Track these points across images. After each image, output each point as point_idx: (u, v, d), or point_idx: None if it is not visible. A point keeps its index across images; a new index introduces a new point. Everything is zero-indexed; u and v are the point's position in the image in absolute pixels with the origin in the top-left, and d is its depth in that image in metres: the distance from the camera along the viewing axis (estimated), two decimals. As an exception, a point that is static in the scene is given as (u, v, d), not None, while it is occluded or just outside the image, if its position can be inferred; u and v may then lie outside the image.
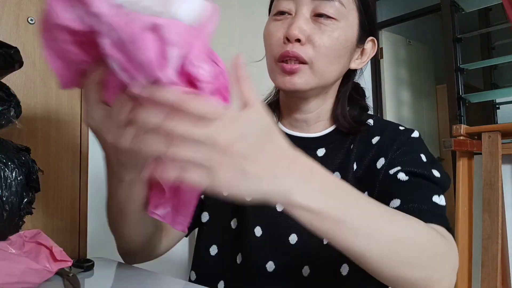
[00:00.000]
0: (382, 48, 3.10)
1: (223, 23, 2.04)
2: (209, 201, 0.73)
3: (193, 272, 0.74)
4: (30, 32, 0.86)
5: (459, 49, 2.50)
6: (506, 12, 2.06)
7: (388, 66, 3.23)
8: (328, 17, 0.61)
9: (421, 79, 3.71)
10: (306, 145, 0.68)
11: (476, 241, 1.60)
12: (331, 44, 0.61)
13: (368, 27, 0.67)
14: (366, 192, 0.63)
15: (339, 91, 0.71)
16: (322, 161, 0.67)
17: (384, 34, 3.14)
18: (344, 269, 0.63)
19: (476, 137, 1.63)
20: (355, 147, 0.67)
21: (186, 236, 0.79)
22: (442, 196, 0.59)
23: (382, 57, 3.10)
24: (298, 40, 0.60)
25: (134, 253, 0.67)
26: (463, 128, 1.61)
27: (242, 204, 0.68)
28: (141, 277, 0.72)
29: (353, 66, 0.68)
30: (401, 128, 0.69)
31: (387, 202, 0.58)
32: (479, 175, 1.58)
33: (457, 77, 2.46)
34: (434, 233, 0.49)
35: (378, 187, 0.61)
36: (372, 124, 0.71)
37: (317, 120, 0.70)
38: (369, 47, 0.69)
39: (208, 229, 0.72)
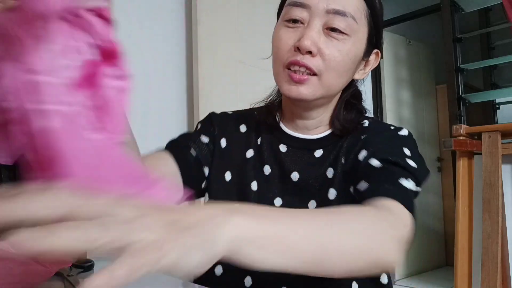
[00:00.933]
0: (382, 48, 3.11)
1: (223, 23, 2.04)
2: (211, 182, 0.72)
3: None
4: (30, 32, 0.86)
5: (459, 49, 2.50)
6: (506, 12, 2.06)
7: (388, 66, 3.23)
8: (340, 32, 0.61)
9: (421, 79, 3.71)
10: (306, 146, 0.72)
11: (476, 241, 1.60)
12: (341, 59, 0.62)
13: (375, 41, 0.68)
14: (351, 187, 0.64)
15: (339, 99, 0.73)
16: (319, 161, 0.70)
17: (384, 34, 3.14)
18: None
19: (476, 137, 1.63)
20: (345, 143, 0.69)
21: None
22: (411, 181, 0.58)
23: (382, 57, 3.08)
24: (309, 52, 0.61)
25: None
26: (463, 128, 1.61)
27: (249, 191, 0.69)
28: (141, 277, 0.72)
29: (356, 76, 0.70)
30: (392, 127, 0.70)
31: (355, 185, 0.60)
32: (479, 175, 1.58)
33: (457, 77, 2.46)
34: (368, 221, 0.46)
35: (356, 177, 0.62)
36: (367, 125, 0.72)
37: (318, 126, 0.72)
38: (373, 58, 0.71)
39: None
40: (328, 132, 0.73)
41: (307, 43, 0.59)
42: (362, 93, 0.77)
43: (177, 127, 2.01)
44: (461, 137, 1.61)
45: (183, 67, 2.07)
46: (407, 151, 0.63)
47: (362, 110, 0.75)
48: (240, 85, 2.06)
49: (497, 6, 2.55)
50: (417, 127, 3.57)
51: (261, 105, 0.80)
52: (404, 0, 3.13)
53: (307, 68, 0.61)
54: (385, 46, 3.15)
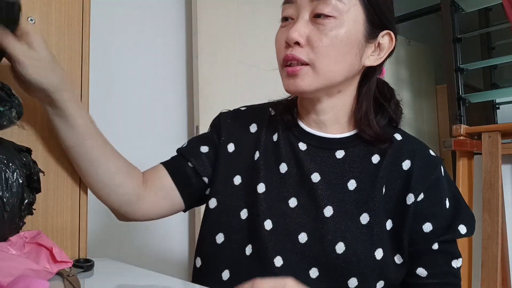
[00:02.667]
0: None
1: (223, 23, 2.04)
2: (218, 187, 0.72)
3: (198, 259, 0.74)
4: (30, 32, 0.86)
5: (459, 49, 2.50)
6: (506, 12, 2.06)
7: (388, 66, 3.22)
8: (326, 16, 0.60)
9: (421, 79, 3.70)
10: (326, 146, 0.69)
11: (476, 241, 1.60)
12: (330, 43, 0.60)
13: (379, 20, 0.65)
14: (389, 220, 0.65)
15: (359, 92, 0.69)
16: (340, 163, 0.67)
17: (384, 34, 3.14)
18: (352, 283, 0.62)
19: (476, 137, 1.63)
20: (385, 166, 0.67)
21: (184, 211, 0.78)
22: (460, 259, 0.67)
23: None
24: (298, 43, 0.61)
25: (117, 200, 0.72)
26: (463, 128, 1.61)
27: (255, 194, 0.68)
28: (141, 277, 0.72)
29: (368, 63, 0.66)
30: (431, 153, 0.69)
31: (416, 266, 0.66)
32: (479, 175, 1.58)
33: (457, 77, 2.46)
34: None
35: (408, 229, 0.65)
36: (400, 139, 0.69)
37: (336, 122, 0.70)
38: (386, 41, 0.67)
39: (215, 216, 0.71)
40: (351, 133, 0.70)
41: (293, 35, 0.60)
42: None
43: (177, 127, 2.01)
44: (461, 137, 1.61)
45: (183, 67, 2.07)
46: (447, 203, 0.66)
47: (394, 118, 0.72)
48: (240, 85, 2.06)
49: (497, 6, 2.54)
50: (417, 127, 3.57)
51: (279, 100, 0.78)
52: (404, 0, 3.13)
53: (296, 59, 0.61)
54: (385, 46, 3.15)
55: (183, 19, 2.09)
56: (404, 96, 3.44)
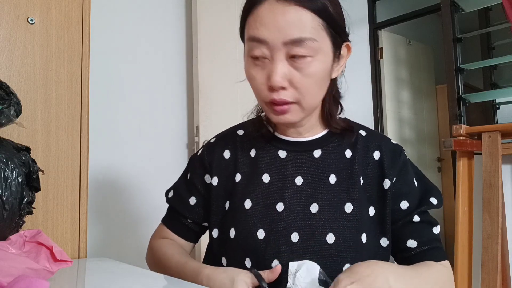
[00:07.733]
0: (382, 48, 3.10)
1: (223, 23, 2.04)
2: (215, 218, 0.76)
3: None
4: (30, 32, 0.86)
5: (459, 49, 2.50)
6: (506, 12, 2.06)
7: (388, 66, 3.23)
8: (304, 56, 0.61)
9: (421, 79, 3.71)
10: (303, 148, 0.74)
11: (476, 241, 1.59)
12: (312, 81, 0.63)
13: (340, 39, 0.67)
14: (372, 207, 0.71)
15: (324, 99, 0.74)
16: (319, 161, 0.73)
17: (384, 34, 3.14)
18: (330, 239, 0.66)
19: (476, 137, 1.63)
20: (358, 159, 0.72)
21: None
22: (438, 226, 0.74)
23: (382, 57, 3.10)
24: (282, 87, 0.63)
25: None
26: (463, 128, 1.60)
27: (244, 211, 0.71)
28: (140, 276, 0.72)
29: (334, 75, 0.70)
30: (393, 142, 0.76)
31: (405, 240, 0.71)
32: (479, 175, 1.58)
33: (457, 77, 2.46)
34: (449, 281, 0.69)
35: (389, 212, 0.71)
36: (365, 134, 0.76)
37: (310, 129, 0.75)
38: (345, 51, 0.70)
39: (217, 245, 0.75)
40: (324, 132, 0.76)
41: (277, 83, 0.62)
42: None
43: (177, 127, 2.01)
44: (461, 137, 1.61)
45: (183, 67, 2.07)
46: (416, 182, 0.73)
47: (342, 105, 0.78)
48: (240, 85, 2.06)
49: (497, 6, 2.55)
50: (417, 127, 3.57)
51: (251, 117, 0.82)
52: (404, 0, 3.13)
53: (284, 102, 0.64)
54: (385, 46, 3.15)
55: (183, 19, 2.09)
56: (404, 96, 3.45)
